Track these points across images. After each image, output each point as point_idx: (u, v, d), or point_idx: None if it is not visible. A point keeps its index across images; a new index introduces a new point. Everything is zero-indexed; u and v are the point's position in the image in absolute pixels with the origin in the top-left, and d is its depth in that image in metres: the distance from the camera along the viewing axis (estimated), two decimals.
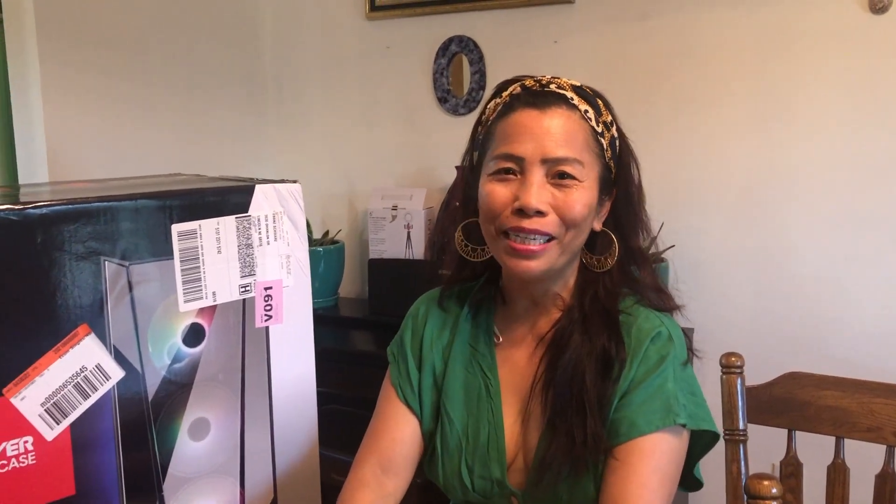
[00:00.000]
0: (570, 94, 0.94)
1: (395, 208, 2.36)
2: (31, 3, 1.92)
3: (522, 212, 0.91)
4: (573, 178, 0.91)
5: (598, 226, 0.98)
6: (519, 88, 0.96)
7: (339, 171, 2.60)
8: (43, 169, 1.99)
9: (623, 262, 0.99)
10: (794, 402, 1.42)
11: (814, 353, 1.99)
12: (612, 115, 0.99)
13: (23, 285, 0.74)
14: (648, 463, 0.88)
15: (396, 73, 2.48)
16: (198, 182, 0.98)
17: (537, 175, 0.91)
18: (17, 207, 0.74)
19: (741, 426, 1.43)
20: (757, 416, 1.44)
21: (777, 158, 2.02)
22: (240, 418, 0.92)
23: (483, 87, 2.37)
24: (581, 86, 0.97)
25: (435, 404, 1.01)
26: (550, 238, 0.93)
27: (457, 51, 2.39)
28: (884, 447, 1.34)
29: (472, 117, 2.37)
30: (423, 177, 2.47)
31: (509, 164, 0.93)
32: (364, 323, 2.32)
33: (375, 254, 2.37)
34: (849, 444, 1.37)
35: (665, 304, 0.98)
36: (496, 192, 0.93)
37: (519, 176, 0.93)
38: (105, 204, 0.79)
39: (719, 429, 0.98)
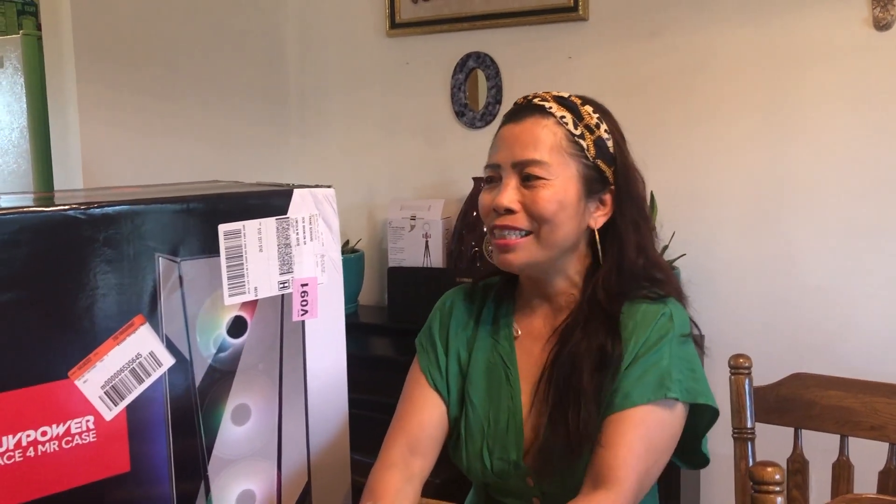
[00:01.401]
0: (549, 104, 1.04)
1: (413, 218, 2.44)
2: (70, 23, 2.03)
3: (497, 211, 1.02)
4: (539, 177, 1.00)
5: (595, 224, 1.05)
6: (513, 106, 1.08)
7: (359, 183, 2.69)
8: (77, 178, 2.09)
9: (626, 256, 1.05)
10: (799, 401, 1.47)
11: (821, 359, 2.03)
12: (604, 120, 1.06)
13: (87, 278, 0.82)
14: (636, 431, 0.95)
15: (415, 88, 2.56)
16: (238, 187, 1.06)
17: (511, 179, 1.02)
18: (82, 207, 0.82)
19: (749, 425, 1.48)
20: (764, 415, 1.49)
21: (785, 170, 2.08)
22: (277, 405, 0.99)
23: (499, 102, 2.44)
24: (568, 96, 1.06)
25: (460, 391, 1.08)
26: (527, 233, 1.02)
27: (474, 66, 2.47)
28: (887, 445, 1.39)
29: (489, 130, 2.46)
30: (440, 188, 2.54)
31: (491, 173, 1.05)
32: (383, 329, 2.39)
33: (394, 262, 2.44)
34: (853, 442, 1.43)
35: (671, 288, 1.05)
36: (484, 198, 1.05)
37: (499, 182, 1.03)
38: (160, 205, 0.87)
39: (719, 408, 1.04)
